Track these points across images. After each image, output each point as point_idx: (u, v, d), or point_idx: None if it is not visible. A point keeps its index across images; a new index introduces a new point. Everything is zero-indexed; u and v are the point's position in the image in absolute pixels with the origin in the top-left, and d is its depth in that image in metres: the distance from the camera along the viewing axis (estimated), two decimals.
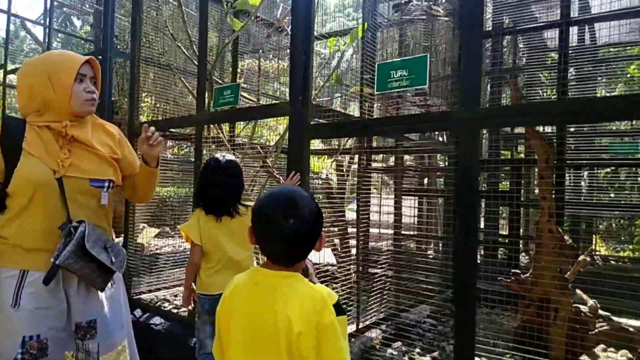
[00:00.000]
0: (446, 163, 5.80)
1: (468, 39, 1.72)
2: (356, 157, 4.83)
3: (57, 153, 1.54)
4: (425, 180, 6.25)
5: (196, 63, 3.85)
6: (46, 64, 1.57)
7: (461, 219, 1.70)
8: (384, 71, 2.04)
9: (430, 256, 5.35)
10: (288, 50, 5.86)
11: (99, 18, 8.30)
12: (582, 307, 2.81)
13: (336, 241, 3.94)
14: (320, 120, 2.89)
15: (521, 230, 5.71)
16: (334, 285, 3.29)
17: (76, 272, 1.49)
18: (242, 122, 4.77)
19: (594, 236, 6.47)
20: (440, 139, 5.34)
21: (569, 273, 2.60)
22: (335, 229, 3.83)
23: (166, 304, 3.35)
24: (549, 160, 2.27)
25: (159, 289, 3.70)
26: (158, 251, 5.96)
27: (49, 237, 1.51)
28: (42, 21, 9.07)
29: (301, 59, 2.38)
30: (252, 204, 2.32)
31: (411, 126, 1.99)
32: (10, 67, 6.48)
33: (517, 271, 2.73)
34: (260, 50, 4.02)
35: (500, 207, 5.75)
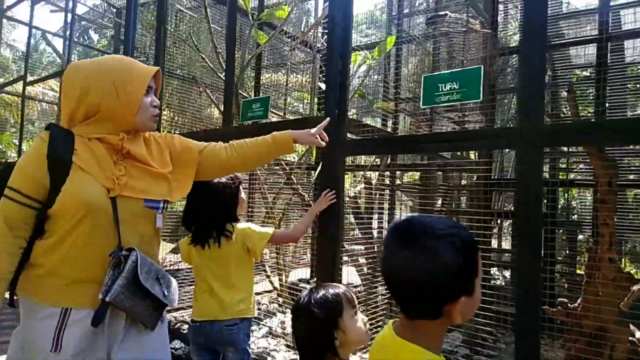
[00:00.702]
0: (466, 181, 5.62)
1: (531, 47, 1.58)
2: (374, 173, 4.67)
3: (112, 169, 1.33)
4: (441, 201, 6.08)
5: (221, 75, 3.76)
6: (111, 69, 1.35)
7: (524, 243, 1.54)
8: (431, 84, 1.90)
9: None
10: (309, 65, 5.78)
11: (119, 31, 8.34)
12: (630, 338, 2.61)
13: (362, 260, 3.77)
14: (353, 136, 2.75)
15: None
16: (362, 309, 3.11)
17: (127, 310, 1.29)
18: None
19: (622, 259, 6.21)
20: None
21: (622, 303, 2.40)
22: (362, 247, 3.67)
23: (185, 326, 3.19)
24: (612, 183, 2.11)
25: (177, 309, 3.55)
26: (173, 267, 5.81)
27: (95, 266, 1.30)
28: (61, 34, 9.14)
29: (337, 68, 2.24)
30: (243, 225, 2.02)
31: (464, 143, 1.84)
32: (29, 78, 6.47)
33: (564, 300, 2.54)
34: (289, 63, 3.91)
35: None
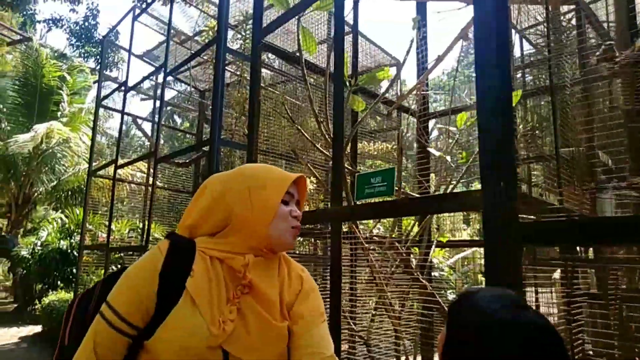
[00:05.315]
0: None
1: None
2: None
3: (223, 306, 1.02)
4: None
5: (320, 149, 3.38)
6: (247, 174, 1.16)
7: None
8: None
9: None
10: (393, 132, 5.34)
11: (203, 111, 8.59)
12: None
13: None
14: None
15: None
16: None
17: None
18: None
19: None
20: None
21: None
22: None
23: None
24: None
25: None
26: None
27: None
28: (149, 118, 9.68)
29: (498, 122, 1.64)
30: None
31: None
32: (120, 162, 6.64)
33: None
34: (403, 129, 3.46)
35: None
